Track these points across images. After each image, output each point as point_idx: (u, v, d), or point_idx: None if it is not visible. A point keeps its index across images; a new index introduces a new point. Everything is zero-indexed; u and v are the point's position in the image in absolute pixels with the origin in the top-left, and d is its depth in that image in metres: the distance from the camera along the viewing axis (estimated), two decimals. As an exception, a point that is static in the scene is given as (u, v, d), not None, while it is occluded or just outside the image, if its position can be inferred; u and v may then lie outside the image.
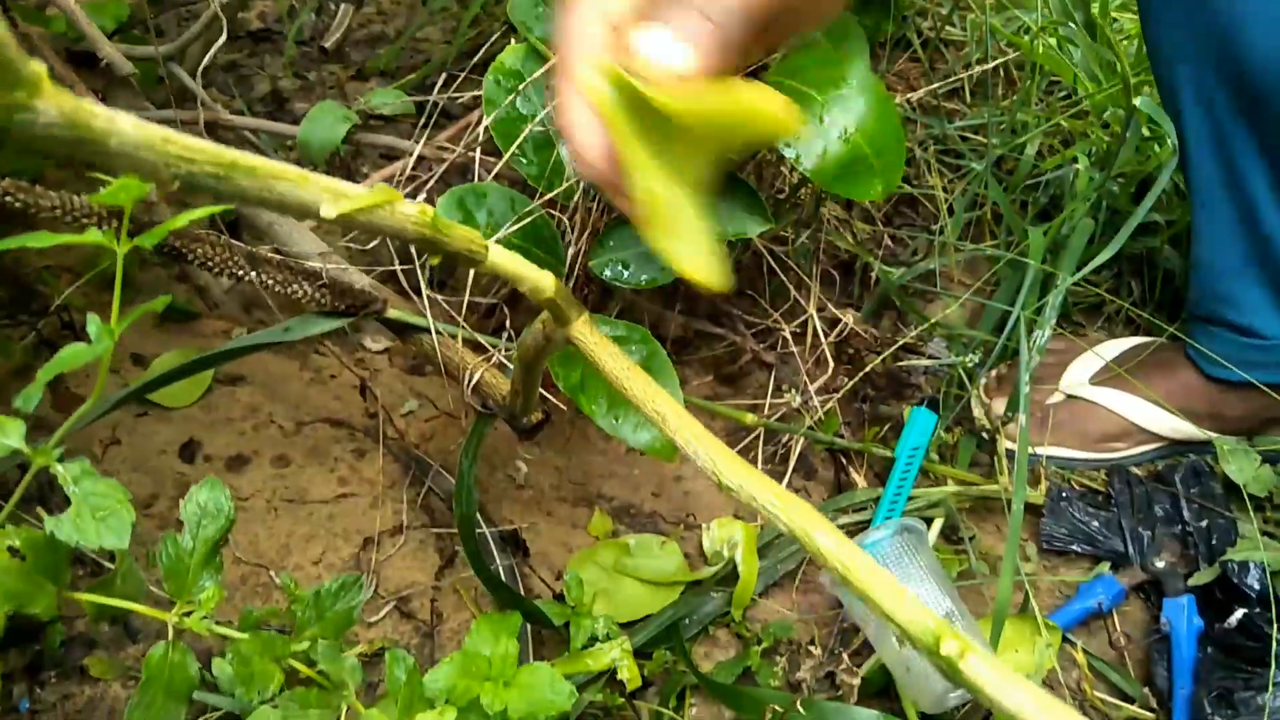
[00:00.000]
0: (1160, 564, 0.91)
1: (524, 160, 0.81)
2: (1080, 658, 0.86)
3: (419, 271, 0.85)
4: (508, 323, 0.91)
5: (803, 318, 1.05)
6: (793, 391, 1.00)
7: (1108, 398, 1.00)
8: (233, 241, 0.80)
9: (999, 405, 1.00)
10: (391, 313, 0.84)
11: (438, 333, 0.83)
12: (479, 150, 0.88)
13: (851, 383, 1.03)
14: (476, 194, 0.80)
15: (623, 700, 0.79)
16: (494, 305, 0.99)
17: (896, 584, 0.37)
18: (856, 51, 0.83)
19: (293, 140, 1.03)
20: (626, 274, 0.85)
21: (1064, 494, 0.97)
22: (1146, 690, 0.85)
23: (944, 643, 0.35)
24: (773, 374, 1.05)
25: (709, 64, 0.40)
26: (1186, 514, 0.94)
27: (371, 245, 1.04)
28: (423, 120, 0.97)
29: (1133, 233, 0.94)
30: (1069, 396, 1.03)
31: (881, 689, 0.82)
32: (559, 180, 0.82)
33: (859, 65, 0.77)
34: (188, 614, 0.56)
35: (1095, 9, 1.24)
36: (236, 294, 1.06)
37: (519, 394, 0.75)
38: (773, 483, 0.40)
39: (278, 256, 0.83)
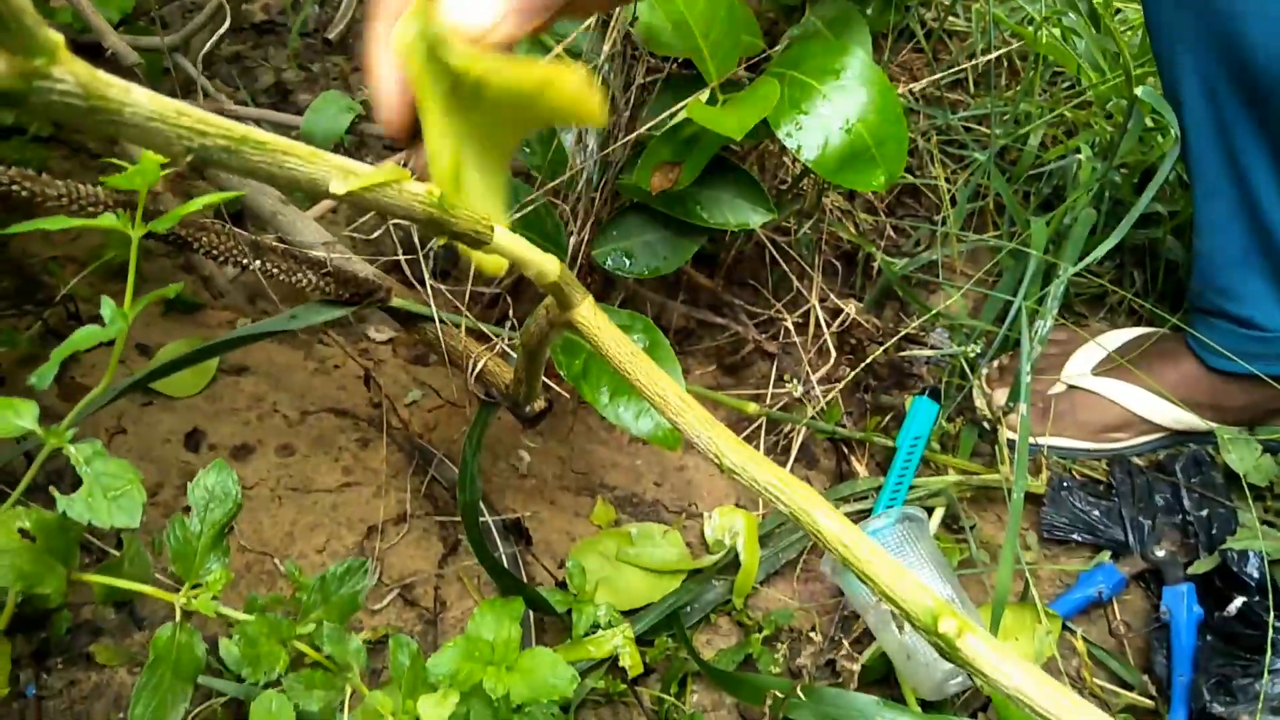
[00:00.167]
0: (1160, 553, 0.92)
1: (527, 150, 0.82)
2: (1080, 646, 0.87)
3: (422, 261, 0.85)
4: (510, 312, 0.92)
5: (805, 308, 1.05)
6: (795, 381, 1.00)
7: (1109, 388, 1.01)
8: (237, 230, 0.80)
9: (1000, 395, 1.00)
10: (395, 302, 0.84)
11: (441, 322, 0.83)
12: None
13: (854, 373, 1.03)
14: (480, 183, 0.80)
15: (624, 687, 0.80)
16: (497, 295, 0.99)
17: (896, 563, 0.37)
18: (858, 42, 0.83)
19: (296, 131, 1.04)
20: (629, 263, 0.85)
21: (1065, 483, 0.97)
22: (1146, 678, 0.86)
23: (942, 621, 0.35)
24: (775, 364, 1.05)
25: (511, 26, 0.39)
26: (1187, 503, 0.94)
27: (375, 235, 1.05)
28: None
29: (1135, 223, 0.94)
30: (1070, 387, 1.03)
31: (882, 676, 0.82)
32: (562, 170, 0.83)
33: (861, 55, 0.77)
34: (195, 595, 0.56)
35: None
36: (241, 284, 1.06)
37: (522, 382, 0.75)
38: (774, 465, 0.40)
39: (282, 245, 0.83)
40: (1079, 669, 0.86)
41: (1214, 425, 0.98)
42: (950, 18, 1.36)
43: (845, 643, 0.83)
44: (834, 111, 0.76)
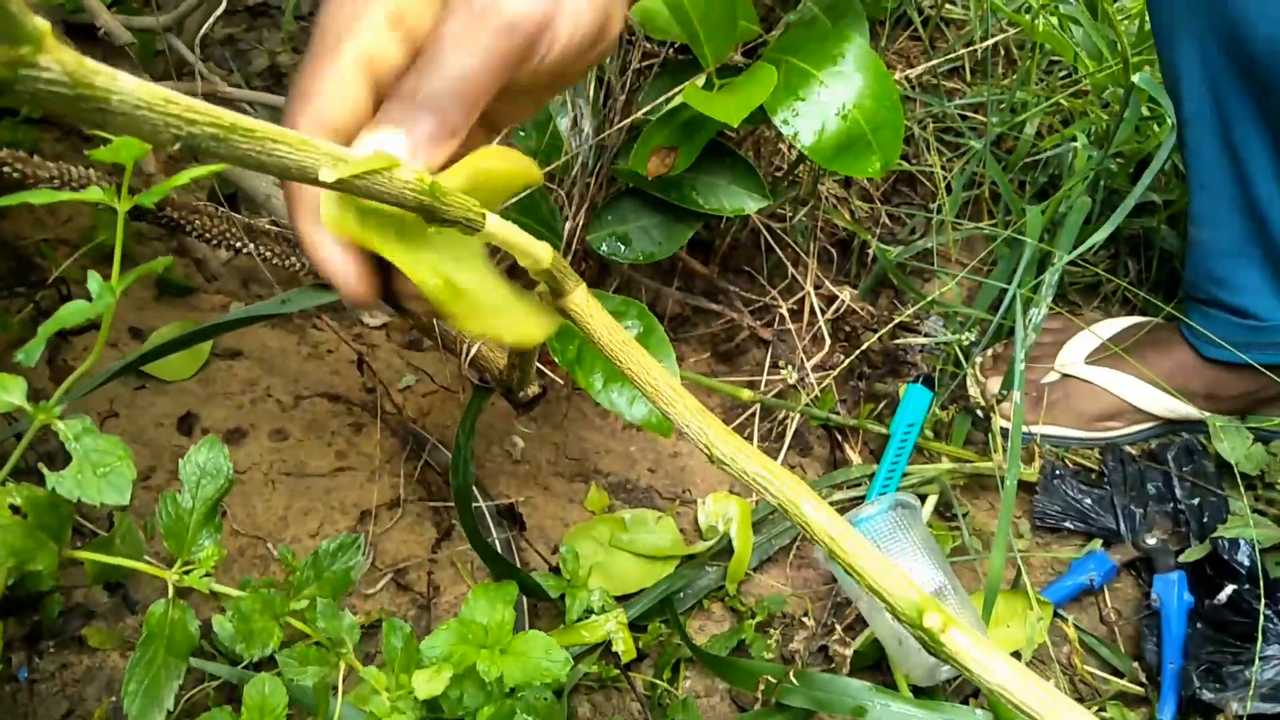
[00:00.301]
0: (1151, 541, 0.92)
1: (521, 133, 0.81)
2: (1071, 633, 0.87)
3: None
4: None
5: (800, 295, 1.05)
6: (789, 368, 1.00)
7: (1103, 377, 1.01)
8: (231, 213, 0.80)
9: (994, 383, 1.01)
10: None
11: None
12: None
13: (848, 360, 1.03)
14: (474, 168, 0.80)
15: (617, 672, 0.80)
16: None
17: (882, 557, 0.37)
18: (855, 28, 0.82)
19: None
20: (624, 249, 0.85)
21: (1057, 471, 0.97)
22: (1136, 665, 0.86)
23: (927, 616, 0.35)
24: (769, 351, 1.05)
25: (437, 154, 0.39)
26: (1178, 491, 0.94)
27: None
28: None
29: (1130, 212, 0.95)
30: (1064, 375, 1.03)
31: (874, 662, 0.83)
32: (556, 155, 0.82)
33: (858, 42, 0.77)
34: (187, 571, 0.56)
35: (1096, -13, 1.24)
36: (234, 268, 1.06)
37: (516, 367, 0.75)
38: (763, 456, 0.40)
39: (275, 229, 0.83)
40: (1070, 656, 0.86)
41: (1206, 414, 0.98)
42: (948, 5, 1.35)
43: (838, 628, 0.83)
44: (831, 98, 0.76)
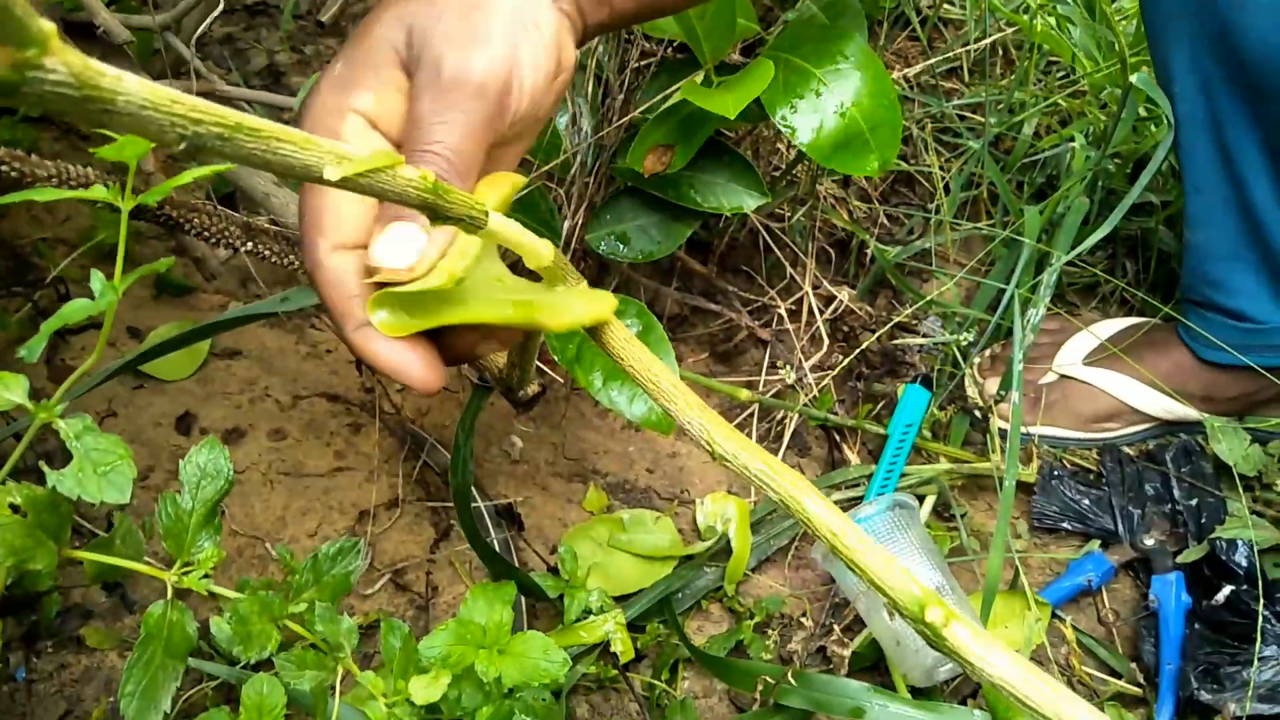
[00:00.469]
0: (1150, 542, 0.92)
1: (521, 134, 0.81)
2: (1069, 634, 0.87)
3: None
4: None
5: (798, 295, 1.05)
6: (788, 368, 1.00)
7: (1101, 378, 1.01)
8: (229, 212, 0.80)
9: (992, 384, 1.01)
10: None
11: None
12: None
13: (846, 360, 1.03)
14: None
15: (616, 672, 0.80)
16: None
17: (884, 553, 0.37)
18: (854, 27, 0.83)
19: (289, 113, 1.03)
20: (623, 248, 0.85)
21: (1055, 472, 0.97)
22: (1134, 666, 0.86)
23: (928, 610, 0.35)
24: (768, 351, 1.05)
25: (451, 230, 0.41)
26: (1176, 492, 0.95)
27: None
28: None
29: (1128, 212, 0.95)
30: (1062, 376, 1.03)
31: (872, 663, 0.83)
32: (555, 153, 0.82)
33: (856, 41, 0.77)
34: (186, 572, 0.56)
35: (1094, -12, 1.24)
36: (233, 267, 1.06)
37: (515, 366, 0.75)
38: (765, 452, 0.40)
39: (274, 228, 0.82)
40: (1068, 657, 0.86)
41: (1204, 415, 0.98)
42: (946, 5, 1.35)
43: (836, 629, 0.83)
44: (829, 96, 0.76)
